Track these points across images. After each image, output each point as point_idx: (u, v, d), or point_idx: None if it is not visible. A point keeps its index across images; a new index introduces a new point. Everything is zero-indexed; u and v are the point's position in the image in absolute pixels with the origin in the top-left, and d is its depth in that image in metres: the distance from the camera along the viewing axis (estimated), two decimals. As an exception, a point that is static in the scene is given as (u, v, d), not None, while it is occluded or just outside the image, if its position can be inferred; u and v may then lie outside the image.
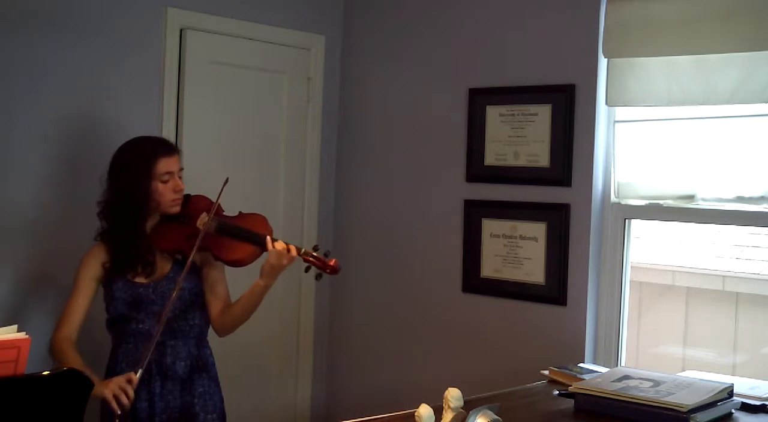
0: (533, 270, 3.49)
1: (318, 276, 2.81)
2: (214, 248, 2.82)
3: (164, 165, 2.78)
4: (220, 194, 2.82)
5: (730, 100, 3.03)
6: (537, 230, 3.48)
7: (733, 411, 2.46)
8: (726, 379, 2.67)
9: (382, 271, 4.03)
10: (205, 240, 2.78)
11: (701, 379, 2.59)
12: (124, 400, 2.55)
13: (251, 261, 2.82)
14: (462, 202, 3.73)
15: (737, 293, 3.61)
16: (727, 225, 3.31)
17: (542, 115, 3.47)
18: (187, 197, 2.90)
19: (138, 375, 2.61)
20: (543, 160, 3.47)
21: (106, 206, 2.82)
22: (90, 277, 2.81)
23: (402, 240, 3.95)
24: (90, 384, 1.97)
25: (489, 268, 3.63)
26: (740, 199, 3.08)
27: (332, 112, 4.20)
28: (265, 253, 2.78)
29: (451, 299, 3.76)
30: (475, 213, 3.68)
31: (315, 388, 4.19)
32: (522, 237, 3.53)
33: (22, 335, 1.86)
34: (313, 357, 4.18)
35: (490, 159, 3.64)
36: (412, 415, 2.01)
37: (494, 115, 3.62)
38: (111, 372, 2.82)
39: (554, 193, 3.44)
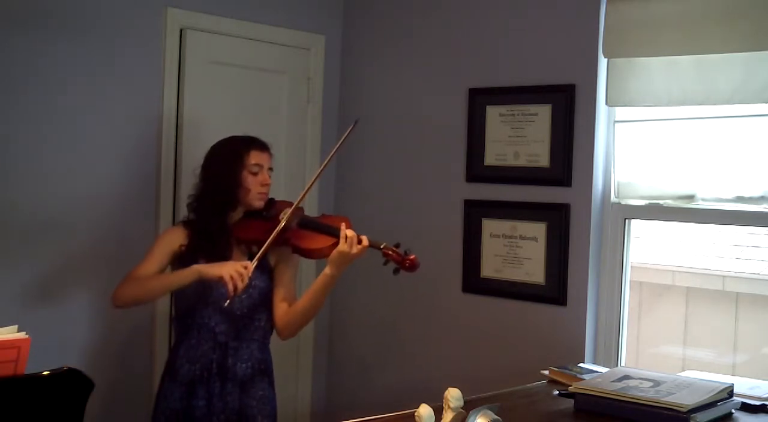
0: (533, 270, 3.49)
1: (396, 271, 2.78)
2: (294, 239, 2.82)
3: (255, 157, 2.87)
4: (301, 197, 2.90)
5: (730, 100, 3.03)
6: (537, 230, 3.48)
7: (733, 411, 2.46)
8: (726, 379, 2.67)
9: (382, 271, 4.02)
10: (285, 233, 2.80)
11: (701, 379, 2.59)
12: (239, 284, 2.62)
13: (329, 252, 2.77)
14: (462, 202, 3.73)
15: (737, 293, 3.61)
16: (727, 225, 3.31)
17: (542, 115, 3.47)
18: (271, 201, 2.95)
19: (253, 264, 2.68)
20: (543, 160, 3.47)
21: (196, 197, 2.88)
22: (166, 250, 2.84)
23: (402, 240, 3.93)
24: (90, 385, 1.97)
25: (489, 268, 3.63)
26: (740, 199, 3.08)
27: (332, 112, 4.20)
28: None
29: (451, 299, 3.76)
30: (475, 213, 3.68)
31: (315, 388, 4.20)
32: (522, 237, 3.53)
33: (22, 335, 1.86)
34: (313, 356, 4.18)
35: (490, 159, 3.64)
36: (412, 415, 2.01)
37: (494, 115, 3.62)
38: (171, 368, 2.84)
39: (554, 193, 3.44)
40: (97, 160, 3.36)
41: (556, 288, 3.42)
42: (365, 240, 2.76)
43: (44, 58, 3.18)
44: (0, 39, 3.07)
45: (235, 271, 2.63)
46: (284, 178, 4.00)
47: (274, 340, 4.04)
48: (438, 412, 2.03)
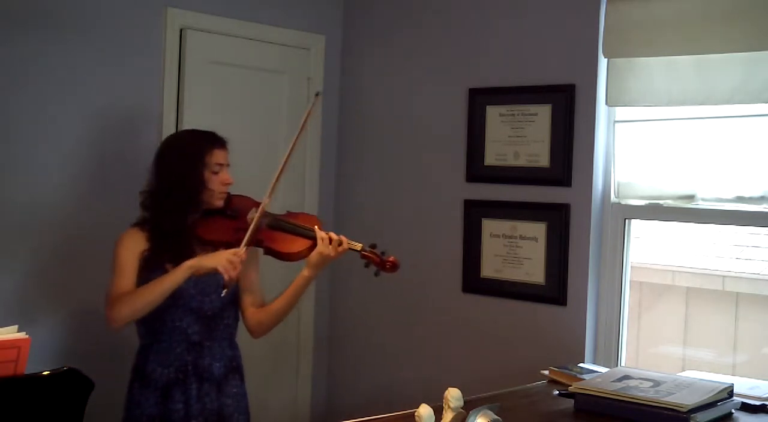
0: (533, 270, 3.49)
1: (376, 273, 2.77)
2: (268, 241, 2.79)
3: (217, 156, 2.78)
4: (270, 191, 2.80)
5: (730, 100, 3.03)
6: (537, 230, 3.48)
7: (733, 411, 2.46)
8: (726, 379, 2.67)
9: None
10: (257, 234, 2.76)
11: (701, 379, 2.59)
12: (233, 273, 2.61)
13: (304, 255, 2.77)
14: (462, 202, 3.73)
15: (737, 293, 3.60)
16: (727, 225, 3.31)
17: (542, 115, 3.47)
18: (228, 195, 2.88)
19: (243, 250, 2.65)
20: (543, 160, 3.47)
21: (152, 195, 2.78)
22: (131, 258, 2.72)
23: (402, 240, 3.95)
24: (90, 385, 1.97)
25: (489, 268, 3.63)
26: (740, 199, 3.08)
27: (332, 112, 4.20)
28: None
29: (451, 299, 3.76)
30: (475, 213, 3.68)
31: (315, 388, 4.19)
32: (522, 237, 3.53)
33: (22, 335, 1.86)
34: (313, 357, 4.18)
35: (490, 159, 3.64)
36: (412, 415, 2.01)
37: (494, 115, 3.62)
38: (139, 372, 2.77)
39: (554, 193, 3.44)
40: (97, 159, 3.36)
41: (556, 288, 3.42)
42: (345, 243, 2.75)
43: (44, 58, 3.18)
44: (0, 39, 3.07)
45: (227, 261, 2.61)
46: (284, 179, 3.99)
47: (275, 340, 4.05)
48: (438, 412, 2.03)
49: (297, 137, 2.85)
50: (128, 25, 3.42)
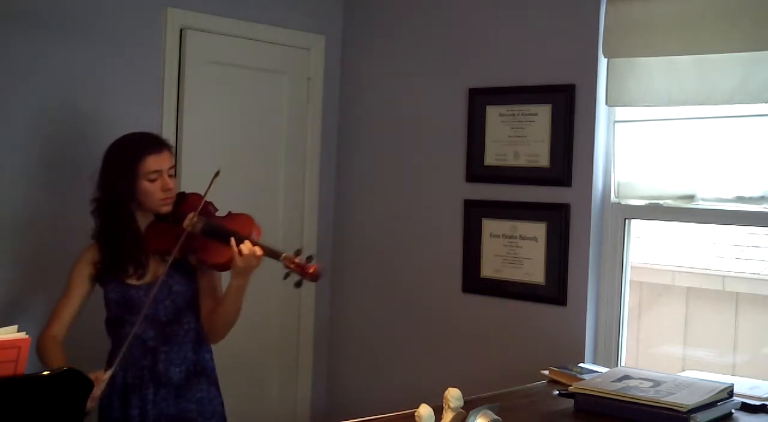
0: (533, 270, 3.49)
1: (298, 284, 2.62)
2: (200, 251, 2.70)
3: (152, 163, 2.67)
4: (207, 190, 2.71)
5: (730, 100, 3.03)
6: (537, 230, 3.48)
7: (733, 411, 2.46)
8: (726, 379, 2.67)
9: (382, 271, 4.03)
10: (192, 242, 2.68)
11: (701, 379, 2.59)
12: (97, 392, 2.44)
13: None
14: (462, 202, 3.73)
15: (737, 293, 3.60)
16: (727, 225, 3.31)
17: (542, 115, 3.47)
18: (182, 196, 2.81)
19: (108, 374, 2.51)
20: (543, 160, 3.47)
21: (96, 205, 2.74)
22: (82, 276, 2.73)
23: (402, 240, 3.95)
24: (90, 385, 1.97)
25: (489, 268, 3.63)
26: (740, 199, 3.08)
27: (332, 112, 4.20)
28: None
29: (451, 299, 3.76)
30: (475, 213, 3.68)
31: (315, 388, 4.19)
32: (522, 237, 3.53)
33: (22, 335, 1.86)
34: (313, 357, 4.18)
35: (490, 159, 3.64)
36: (412, 415, 2.01)
37: (494, 115, 3.62)
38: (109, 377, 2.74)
39: (554, 193, 3.44)
40: (97, 159, 3.36)
41: (556, 288, 3.42)
42: (259, 251, 2.60)
43: (44, 58, 3.18)
44: (0, 39, 3.07)
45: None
46: (284, 179, 4.01)
47: (275, 340, 4.05)
48: (438, 412, 2.03)
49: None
50: (128, 25, 3.42)
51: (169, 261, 2.63)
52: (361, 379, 4.10)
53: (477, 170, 3.68)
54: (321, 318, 4.19)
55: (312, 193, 4.13)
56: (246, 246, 2.59)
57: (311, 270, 2.60)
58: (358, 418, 2.24)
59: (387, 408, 2.40)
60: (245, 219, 2.76)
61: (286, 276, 2.63)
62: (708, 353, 3.58)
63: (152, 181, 2.68)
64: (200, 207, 2.70)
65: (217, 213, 2.81)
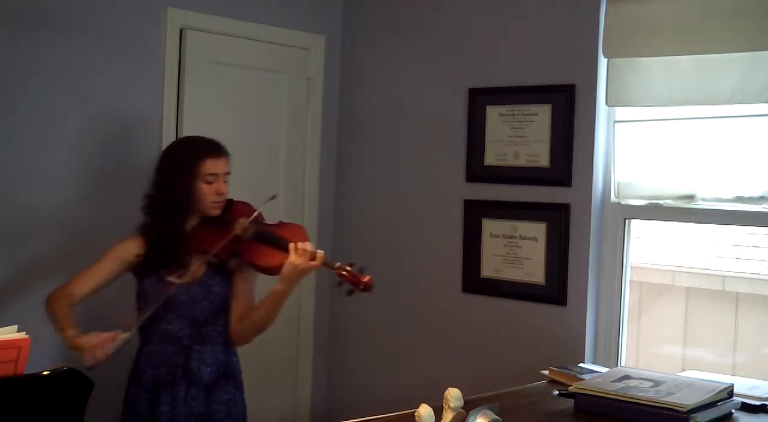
0: (533, 270, 3.49)
1: (349, 292, 2.74)
2: (248, 253, 2.77)
3: (210, 166, 2.76)
4: (264, 204, 2.82)
5: (730, 100, 3.03)
6: (537, 230, 3.48)
7: (733, 411, 2.46)
8: (726, 379, 2.67)
9: (382, 271, 4.00)
10: (239, 245, 2.75)
11: (701, 379, 2.59)
12: (99, 354, 2.51)
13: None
14: (462, 202, 3.73)
15: (737, 293, 3.61)
16: (727, 225, 3.31)
17: (542, 115, 3.47)
18: (230, 202, 2.87)
19: (124, 336, 2.56)
20: (543, 160, 3.47)
21: (149, 201, 2.81)
22: (119, 258, 2.76)
23: (402, 240, 3.95)
24: (90, 385, 1.97)
25: (489, 268, 3.63)
26: (740, 199, 3.08)
27: (332, 112, 4.20)
28: None
29: (451, 299, 3.76)
30: (475, 213, 3.68)
31: (315, 388, 4.19)
32: (522, 237, 3.53)
33: (22, 335, 1.86)
34: (313, 357, 4.18)
35: (490, 159, 3.64)
36: (412, 415, 2.01)
37: (494, 115, 3.62)
38: (135, 374, 2.80)
39: (554, 193, 3.44)
40: (97, 159, 3.36)
41: (556, 288, 3.42)
42: (318, 258, 2.70)
43: (44, 58, 3.18)
44: (0, 39, 3.07)
45: (98, 342, 2.52)
46: (284, 179, 4.01)
47: (275, 340, 4.05)
48: (438, 412, 2.03)
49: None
50: (128, 25, 3.42)
51: (208, 257, 2.69)
52: (361, 379, 4.10)
53: (477, 170, 3.68)
54: (321, 318, 4.18)
55: (312, 193, 4.13)
56: (303, 244, 2.69)
57: (365, 280, 2.73)
58: (358, 418, 2.24)
59: (387, 408, 2.40)
60: (297, 228, 2.87)
61: (340, 284, 2.75)
62: (708, 353, 3.58)
63: (209, 183, 2.76)
64: (253, 216, 2.79)
65: (264, 222, 2.88)
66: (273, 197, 2.83)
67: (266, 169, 3.94)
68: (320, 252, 2.72)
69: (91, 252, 3.27)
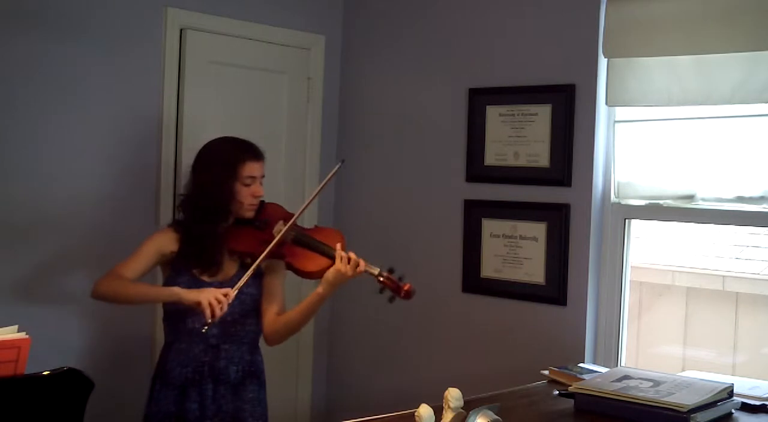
0: (533, 270, 3.49)
1: (391, 299, 2.77)
2: (290, 257, 2.82)
3: (249, 168, 2.81)
4: (303, 209, 2.88)
5: (730, 100, 3.03)
6: (537, 230, 3.48)
7: (733, 411, 2.46)
8: (726, 379, 2.67)
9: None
10: (280, 248, 2.79)
11: (701, 379, 2.59)
12: (218, 312, 2.61)
13: (324, 274, 2.79)
14: (462, 202, 3.73)
15: (737, 293, 3.61)
16: (727, 226, 3.31)
17: (542, 115, 3.47)
18: (261, 204, 2.91)
19: (234, 292, 2.66)
20: (543, 160, 3.47)
21: (187, 199, 2.84)
22: (158, 249, 2.81)
23: (402, 240, 3.95)
24: (90, 385, 1.97)
25: (489, 268, 3.63)
26: (740, 199, 3.08)
27: (332, 112, 4.20)
28: None
29: (451, 299, 3.76)
30: (475, 213, 3.68)
31: (315, 388, 4.20)
32: (522, 237, 3.53)
33: (22, 335, 1.86)
34: (313, 357, 4.18)
35: (490, 159, 3.64)
36: (412, 415, 2.01)
37: (494, 115, 3.62)
38: (161, 370, 2.83)
39: (554, 193, 3.44)
40: (97, 159, 3.36)
41: (556, 288, 3.42)
42: (362, 264, 2.75)
43: (44, 58, 3.18)
44: (0, 39, 3.07)
45: (214, 298, 2.62)
46: (284, 179, 4.01)
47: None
48: (438, 412, 2.04)
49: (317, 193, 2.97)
50: (128, 25, 3.42)
51: (252, 268, 2.73)
52: (361, 379, 4.10)
53: (477, 170, 3.68)
54: (321, 318, 4.18)
55: (312, 193, 4.12)
56: (351, 255, 2.74)
57: (406, 288, 2.77)
58: (358, 418, 2.24)
59: (387, 408, 2.40)
60: (335, 233, 2.92)
61: (381, 291, 2.79)
62: (708, 353, 3.58)
63: (247, 185, 2.81)
64: (294, 220, 2.84)
65: (300, 226, 2.92)
66: (309, 202, 2.93)
67: (266, 168, 3.93)
68: (362, 261, 2.76)
69: (91, 251, 3.28)
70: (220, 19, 3.71)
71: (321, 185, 2.92)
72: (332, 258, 2.76)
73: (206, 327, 2.65)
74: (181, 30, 3.59)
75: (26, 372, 1.86)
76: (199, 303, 2.61)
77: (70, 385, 1.92)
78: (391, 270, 2.79)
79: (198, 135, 3.62)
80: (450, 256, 3.75)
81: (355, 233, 4.14)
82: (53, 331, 3.18)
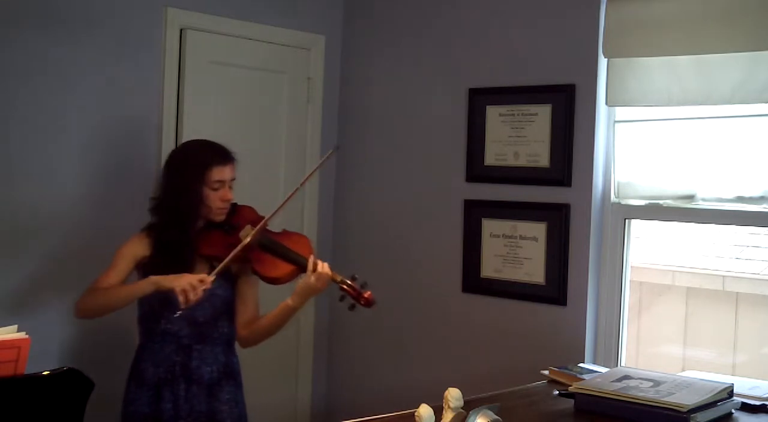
0: (533, 270, 3.49)
1: (351, 307, 2.77)
2: (255, 262, 2.81)
3: (217, 173, 2.79)
4: (273, 214, 2.84)
5: (730, 100, 3.03)
6: (537, 230, 3.48)
7: (733, 411, 2.46)
8: (726, 379, 2.67)
9: (382, 271, 4.02)
10: (246, 252, 2.78)
11: (701, 379, 2.59)
12: (192, 297, 2.60)
13: (288, 280, 2.82)
14: (462, 202, 3.73)
15: (737, 293, 3.61)
16: (727, 225, 3.31)
17: (542, 115, 3.47)
18: (234, 207, 2.90)
19: (211, 278, 2.65)
20: (543, 160, 3.47)
21: (158, 203, 2.84)
22: (132, 256, 2.80)
23: (402, 240, 3.95)
24: (90, 385, 1.97)
25: (489, 268, 3.63)
26: (740, 199, 3.08)
27: (332, 112, 4.20)
28: (300, 275, 2.79)
29: (451, 299, 3.76)
30: (475, 213, 3.68)
31: (315, 388, 4.20)
32: (522, 237, 3.53)
33: (22, 335, 1.86)
34: (313, 357, 4.18)
35: (490, 159, 3.64)
36: (412, 415, 2.01)
37: (494, 115, 3.62)
38: (135, 372, 2.83)
39: (554, 193, 3.44)
40: (97, 159, 3.36)
41: (556, 288, 3.42)
42: (328, 272, 2.75)
43: (44, 58, 3.18)
44: (0, 39, 3.07)
45: (188, 284, 2.61)
46: (284, 179, 4.00)
47: (275, 340, 4.04)
48: (438, 412, 2.03)
49: (306, 179, 2.98)
50: (128, 24, 3.42)
51: (219, 266, 2.72)
52: (361, 379, 4.10)
53: (477, 170, 3.68)
54: (321, 318, 4.18)
55: (312, 193, 4.12)
56: (323, 267, 2.74)
57: (366, 295, 2.75)
58: (358, 418, 2.24)
59: (387, 408, 2.40)
60: (302, 239, 2.91)
61: (342, 298, 2.79)
62: (708, 353, 3.58)
63: (215, 189, 2.79)
64: (261, 225, 2.81)
65: (268, 229, 2.89)
66: (281, 206, 2.86)
67: (266, 169, 3.94)
68: (327, 266, 2.76)
69: (90, 252, 3.28)
70: (220, 19, 3.71)
71: (305, 178, 2.94)
72: (297, 265, 2.78)
73: (179, 312, 2.64)
74: (181, 30, 3.59)
75: (26, 372, 1.87)
76: (173, 289, 2.61)
77: (70, 385, 1.92)
78: (353, 278, 2.78)
79: (198, 135, 3.62)
80: (450, 256, 3.75)
81: (355, 233, 4.15)
82: (53, 331, 3.19)
